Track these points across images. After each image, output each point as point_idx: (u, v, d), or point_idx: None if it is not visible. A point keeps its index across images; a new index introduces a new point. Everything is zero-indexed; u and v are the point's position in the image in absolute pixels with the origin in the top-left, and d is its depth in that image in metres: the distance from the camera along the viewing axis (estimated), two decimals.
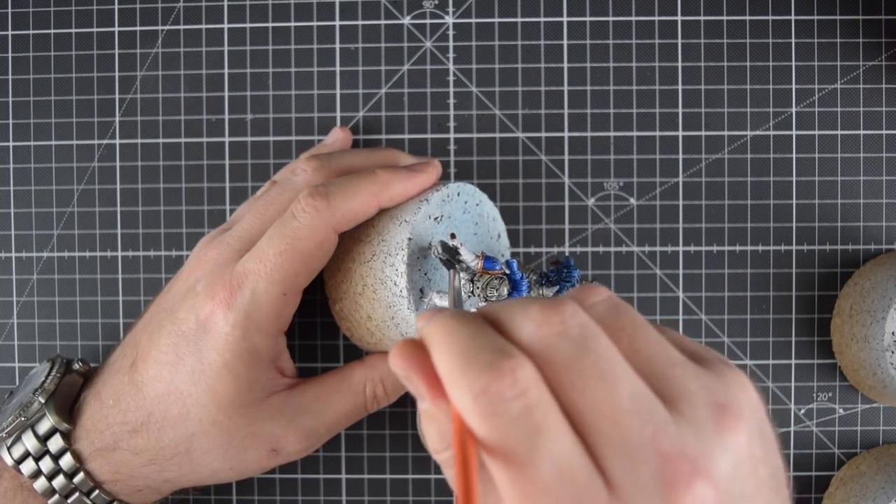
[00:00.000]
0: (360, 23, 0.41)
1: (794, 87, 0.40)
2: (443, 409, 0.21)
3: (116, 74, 0.41)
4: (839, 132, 0.40)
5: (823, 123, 0.40)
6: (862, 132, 0.40)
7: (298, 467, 0.41)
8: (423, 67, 0.41)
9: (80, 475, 0.33)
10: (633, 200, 0.41)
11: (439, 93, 0.41)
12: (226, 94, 0.41)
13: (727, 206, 0.41)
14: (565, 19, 0.41)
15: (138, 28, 0.41)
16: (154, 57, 0.41)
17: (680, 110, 0.41)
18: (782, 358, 0.41)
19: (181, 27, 0.41)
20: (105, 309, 0.42)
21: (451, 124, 0.41)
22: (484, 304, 0.32)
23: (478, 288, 0.31)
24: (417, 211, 0.33)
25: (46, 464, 0.33)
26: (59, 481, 0.33)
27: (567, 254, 0.41)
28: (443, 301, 0.32)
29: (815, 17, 0.40)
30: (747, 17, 0.40)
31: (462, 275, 0.32)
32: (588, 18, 0.41)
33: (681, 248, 0.41)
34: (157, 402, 0.32)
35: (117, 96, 0.41)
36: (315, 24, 0.41)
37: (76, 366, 0.36)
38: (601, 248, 0.41)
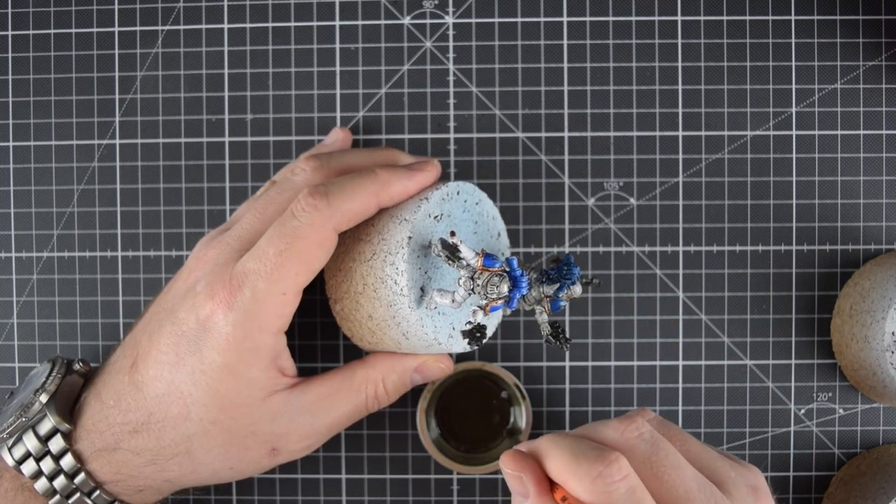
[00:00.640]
0: (360, 23, 0.41)
1: (794, 87, 0.40)
2: (546, 502, 0.28)
3: (116, 74, 0.41)
4: (839, 132, 0.40)
5: (823, 123, 0.40)
6: (862, 132, 0.40)
7: (298, 467, 0.41)
8: (423, 67, 0.41)
9: (81, 475, 0.33)
10: (633, 200, 0.41)
11: (439, 93, 0.41)
12: (226, 94, 0.41)
13: (727, 206, 0.41)
14: (565, 19, 0.41)
15: (138, 28, 0.41)
16: (154, 57, 0.41)
17: (680, 110, 0.41)
18: (782, 358, 0.41)
19: (181, 27, 0.41)
20: (105, 309, 0.42)
21: (451, 124, 0.41)
22: (485, 301, 0.32)
23: (478, 285, 0.31)
24: (417, 209, 0.33)
25: (47, 464, 0.33)
26: (59, 482, 0.33)
27: (567, 253, 0.41)
28: (443, 299, 0.32)
29: (815, 17, 0.40)
30: (747, 17, 0.40)
31: (462, 272, 0.32)
32: (588, 18, 0.41)
33: (681, 248, 0.41)
34: (157, 402, 0.32)
35: (117, 96, 0.41)
36: (315, 24, 0.41)
37: (77, 366, 0.36)
38: (601, 248, 0.41)
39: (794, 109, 0.40)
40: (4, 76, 0.42)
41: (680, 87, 0.41)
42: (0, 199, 0.42)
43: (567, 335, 0.34)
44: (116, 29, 0.41)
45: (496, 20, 0.41)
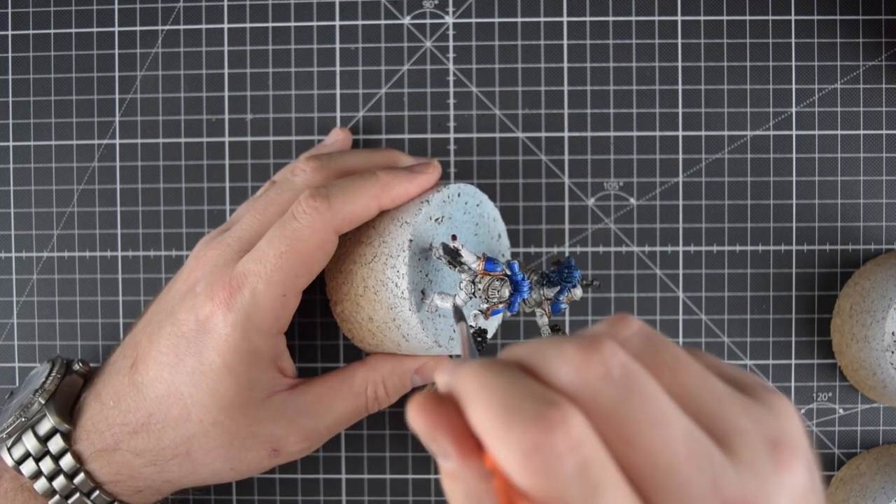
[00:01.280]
0: (360, 23, 0.41)
1: (794, 87, 0.40)
2: (473, 469, 0.19)
3: (116, 74, 0.41)
4: (839, 132, 0.40)
5: (823, 123, 0.40)
6: (862, 132, 0.40)
7: (298, 467, 0.41)
8: (423, 67, 0.41)
9: (81, 476, 0.33)
10: (633, 200, 0.41)
11: (439, 93, 0.41)
12: (226, 94, 0.41)
13: (727, 206, 0.41)
14: (565, 19, 0.41)
15: (138, 28, 0.41)
16: (154, 57, 0.41)
17: (680, 110, 0.41)
18: (782, 358, 0.41)
19: (181, 27, 0.41)
20: (105, 309, 0.42)
21: (451, 124, 0.41)
22: (486, 305, 0.32)
23: (479, 289, 0.31)
24: (418, 212, 0.33)
25: (47, 464, 0.33)
26: (59, 482, 0.33)
27: (567, 254, 0.41)
28: (444, 302, 0.32)
29: (815, 18, 0.40)
30: (747, 17, 0.40)
31: (463, 276, 0.32)
32: (588, 18, 0.41)
33: (681, 248, 0.41)
34: (157, 403, 0.32)
35: (117, 96, 0.41)
36: (315, 24, 0.41)
37: (76, 366, 0.36)
38: (601, 248, 0.41)
39: (794, 109, 0.40)
40: (4, 76, 0.42)
41: (680, 87, 0.41)
42: (0, 199, 0.42)
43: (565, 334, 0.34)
44: (116, 29, 0.41)
45: (496, 20, 0.41)
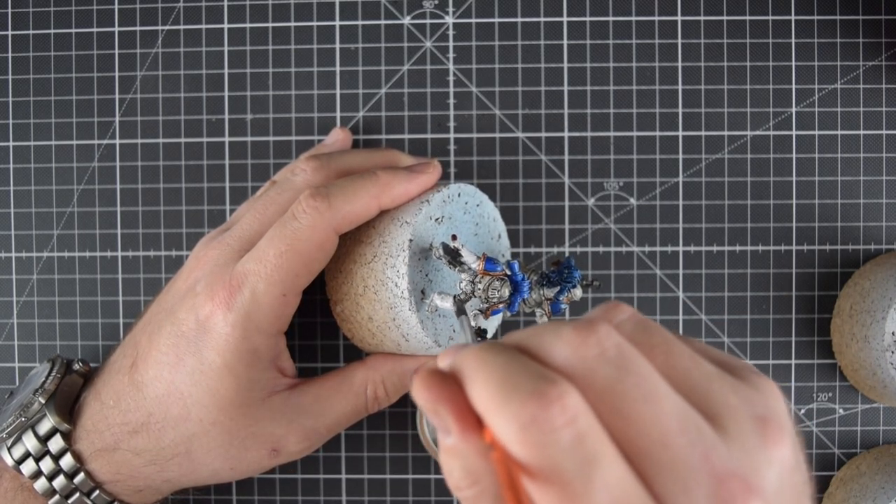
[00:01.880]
0: (360, 23, 0.41)
1: (794, 87, 0.40)
2: (472, 444, 0.20)
3: (116, 74, 0.41)
4: (839, 132, 0.40)
5: (823, 123, 0.40)
6: (862, 132, 0.40)
7: (298, 467, 0.41)
8: (423, 67, 0.41)
9: (81, 475, 0.33)
10: (633, 200, 0.41)
11: (439, 93, 0.41)
12: (226, 94, 0.41)
13: (727, 206, 0.41)
14: (565, 19, 0.41)
15: (138, 28, 0.41)
16: (154, 57, 0.41)
17: (680, 110, 0.41)
18: (782, 358, 0.41)
19: (181, 27, 0.41)
20: (105, 309, 0.42)
21: (451, 124, 0.41)
22: (486, 305, 0.32)
23: (479, 289, 0.31)
24: (418, 212, 0.33)
25: (47, 464, 0.33)
26: (59, 482, 0.33)
27: (567, 254, 0.41)
28: (444, 302, 0.32)
29: (815, 18, 0.40)
30: (747, 17, 0.40)
31: (463, 276, 0.32)
32: (588, 18, 0.41)
33: (681, 248, 0.41)
34: (157, 403, 0.32)
35: (117, 96, 0.41)
36: (315, 24, 0.41)
37: (76, 366, 0.36)
38: (601, 248, 0.41)
39: (794, 109, 0.40)
40: (4, 76, 0.42)
41: (680, 87, 0.41)
42: (0, 199, 0.42)
43: None
44: (116, 29, 0.41)
45: (496, 20, 0.41)
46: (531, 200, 0.41)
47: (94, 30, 0.41)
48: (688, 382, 0.21)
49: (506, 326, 0.41)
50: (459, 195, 0.35)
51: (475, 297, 0.32)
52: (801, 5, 0.40)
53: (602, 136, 0.41)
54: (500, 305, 0.32)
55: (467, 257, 0.32)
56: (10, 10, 0.41)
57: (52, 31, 0.41)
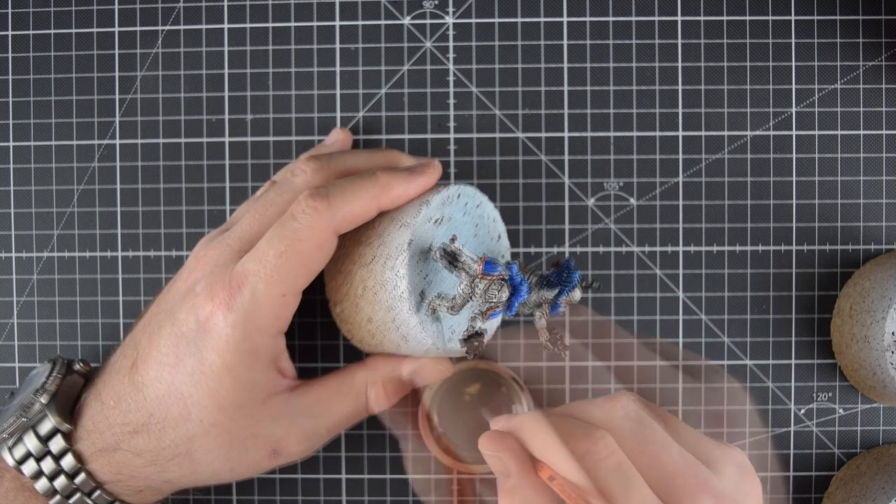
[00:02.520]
0: (360, 23, 0.41)
1: (794, 87, 0.40)
2: (529, 482, 0.28)
3: (116, 74, 0.41)
4: (839, 132, 0.40)
5: (823, 123, 0.40)
6: (862, 132, 0.40)
7: (298, 467, 0.41)
8: (423, 67, 0.41)
9: (82, 476, 0.33)
10: (633, 200, 0.41)
11: (439, 93, 0.41)
12: (226, 94, 0.41)
13: (727, 206, 0.41)
14: (565, 19, 0.41)
15: (138, 28, 0.41)
16: (154, 57, 0.41)
17: (680, 110, 0.41)
18: (782, 358, 0.41)
19: (181, 27, 0.41)
20: (105, 309, 0.42)
21: (451, 124, 0.41)
22: (485, 306, 0.32)
23: (479, 292, 0.31)
24: (418, 213, 0.33)
25: (48, 464, 0.33)
26: (60, 482, 0.33)
27: (567, 254, 0.41)
28: (443, 304, 0.32)
29: (815, 18, 0.40)
30: (747, 18, 0.40)
31: (462, 278, 0.32)
32: (588, 18, 0.41)
33: (681, 248, 0.41)
34: (157, 403, 0.32)
35: (117, 96, 0.41)
36: (315, 24, 0.41)
37: (77, 366, 0.36)
38: (601, 248, 0.41)
39: (794, 109, 0.40)
40: (4, 76, 0.42)
41: (680, 87, 0.41)
42: (0, 199, 0.42)
43: (565, 342, 0.34)
44: (116, 29, 0.41)
45: (496, 20, 0.41)
46: (531, 200, 0.41)
47: (95, 30, 0.41)
48: (685, 440, 0.30)
49: (505, 327, 0.41)
50: (459, 196, 0.35)
51: (473, 299, 0.31)
52: (801, 5, 0.40)
53: (602, 136, 0.41)
54: (499, 308, 0.32)
55: (466, 259, 0.32)
56: (10, 10, 0.41)
57: (52, 31, 0.41)
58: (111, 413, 0.33)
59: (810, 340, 0.41)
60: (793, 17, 0.40)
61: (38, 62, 0.42)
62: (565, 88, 0.41)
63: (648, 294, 0.41)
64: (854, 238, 0.40)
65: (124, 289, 0.42)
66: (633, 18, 0.41)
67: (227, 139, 0.41)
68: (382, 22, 0.41)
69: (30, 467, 0.33)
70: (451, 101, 0.41)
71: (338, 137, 0.40)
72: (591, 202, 0.41)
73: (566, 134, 0.41)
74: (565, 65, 0.41)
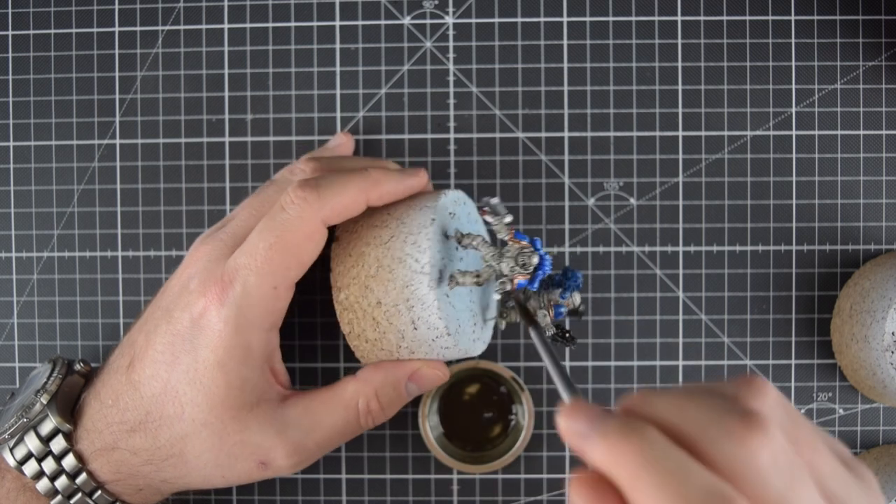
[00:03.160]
0: (360, 23, 0.41)
1: (794, 87, 0.40)
2: None
3: (116, 74, 0.41)
4: (839, 132, 0.40)
5: (823, 123, 0.40)
6: (862, 132, 0.40)
7: None
8: (423, 67, 0.41)
9: (83, 476, 0.33)
10: (633, 200, 0.41)
11: (439, 93, 0.41)
12: (226, 94, 0.41)
13: (727, 206, 0.41)
14: (565, 19, 0.41)
15: (138, 28, 0.41)
16: (154, 57, 0.41)
17: (680, 110, 0.41)
18: (782, 358, 0.41)
19: (181, 27, 0.41)
20: (105, 309, 0.42)
21: (451, 124, 0.41)
22: (517, 268, 0.32)
23: (509, 255, 0.32)
24: (438, 199, 0.33)
25: (49, 465, 0.33)
26: (61, 482, 0.33)
27: (567, 255, 0.41)
28: (466, 278, 0.32)
29: (815, 18, 0.40)
30: (747, 17, 0.40)
31: (486, 251, 0.32)
32: (588, 18, 0.41)
33: (681, 248, 0.41)
34: (153, 402, 0.32)
35: (117, 96, 0.41)
36: (315, 24, 0.41)
37: (77, 366, 0.36)
38: (601, 248, 0.41)
39: (794, 109, 0.40)
40: (4, 76, 0.42)
41: (680, 87, 0.41)
42: (0, 199, 0.42)
43: (572, 334, 0.34)
44: (116, 29, 0.41)
45: (496, 20, 0.41)
46: (531, 200, 0.41)
47: (95, 30, 0.41)
48: (828, 489, 0.22)
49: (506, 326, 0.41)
50: (465, 203, 0.36)
51: (502, 264, 0.32)
52: (801, 5, 0.40)
53: (602, 136, 0.41)
54: (525, 278, 0.32)
55: (499, 224, 0.32)
56: (10, 10, 0.41)
57: (52, 31, 0.41)
58: (109, 412, 0.33)
59: (810, 340, 0.41)
60: (793, 17, 0.40)
61: (38, 62, 0.42)
62: (565, 88, 0.41)
63: (648, 294, 0.41)
64: (854, 238, 0.40)
65: (124, 289, 0.42)
66: (633, 18, 0.41)
67: (227, 139, 0.41)
68: (382, 22, 0.41)
69: (31, 468, 0.33)
70: (451, 101, 0.41)
71: (340, 141, 0.40)
72: (591, 202, 0.41)
73: (566, 134, 0.41)
74: (565, 65, 0.41)
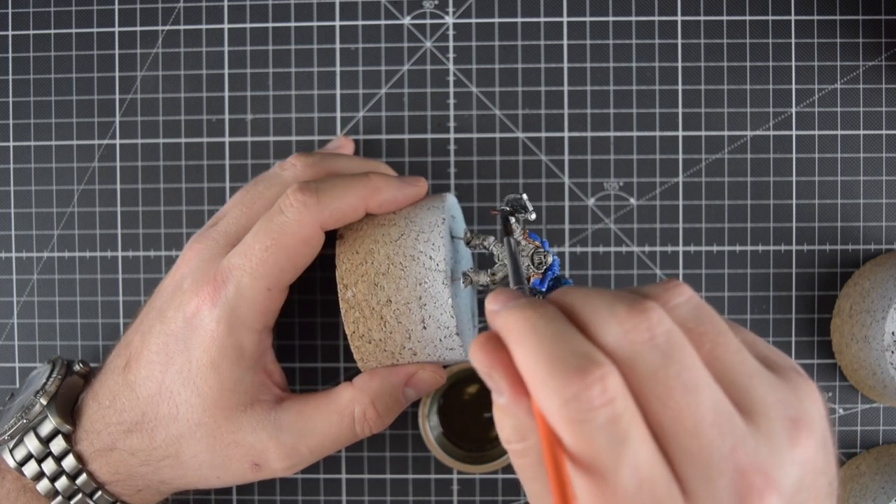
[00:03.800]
0: (360, 23, 0.41)
1: (794, 87, 0.40)
2: (522, 406, 0.22)
3: (116, 74, 0.41)
4: (839, 132, 0.40)
5: (823, 123, 0.40)
6: (862, 132, 0.40)
7: None
8: (423, 67, 0.41)
9: (83, 476, 0.33)
10: (633, 200, 0.41)
11: (439, 93, 0.41)
12: (226, 94, 0.41)
13: (727, 206, 0.41)
14: (565, 19, 0.41)
15: (138, 28, 0.41)
16: (154, 57, 0.41)
17: (680, 110, 0.41)
18: None
19: (181, 27, 0.41)
20: (105, 309, 0.42)
21: (451, 124, 0.41)
22: (532, 267, 0.32)
23: (524, 253, 0.32)
24: (444, 199, 0.34)
25: (49, 465, 0.33)
26: (61, 483, 0.33)
27: (567, 254, 0.41)
28: (479, 276, 0.32)
29: (815, 18, 0.40)
30: (747, 17, 0.40)
31: (501, 251, 0.33)
32: (588, 18, 0.41)
33: (681, 248, 0.41)
34: (149, 402, 0.32)
35: (117, 96, 0.41)
36: (315, 24, 0.41)
37: (77, 367, 0.36)
38: (601, 248, 0.41)
39: (794, 109, 0.40)
40: (4, 76, 0.42)
41: (680, 87, 0.41)
42: (0, 199, 0.42)
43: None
44: (116, 29, 0.41)
45: (496, 20, 0.41)
46: (531, 200, 0.41)
47: (95, 30, 0.41)
48: (729, 376, 0.22)
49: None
50: (457, 209, 0.37)
51: (517, 260, 0.33)
52: (801, 5, 0.40)
53: (602, 136, 0.41)
54: (539, 276, 0.32)
55: (514, 224, 0.33)
56: (10, 11, 0.41)
57: (52, 31, 0.41)
58: (107, 413, 0.33)
59: (810, 340, 0.41)
60: (793, 17, 0.40)
61: (38, 62, 0.42)
62: (565, 88, 0.41)
63: None
64: (854, 238, 0.40)
65: (124, 289, 0.42)
66: (633, 18, 0.41)
67: (227, 139, 0.41)
68: (382, 22, 0.41)
69: (31, 469, 0.33)
70: (451, 101, 0.41)
71: (340, 144, 0.40)
72: (591, 202, 0.41)
73: (566, 134, 0.41)
74: (565, 65, 0.41)
